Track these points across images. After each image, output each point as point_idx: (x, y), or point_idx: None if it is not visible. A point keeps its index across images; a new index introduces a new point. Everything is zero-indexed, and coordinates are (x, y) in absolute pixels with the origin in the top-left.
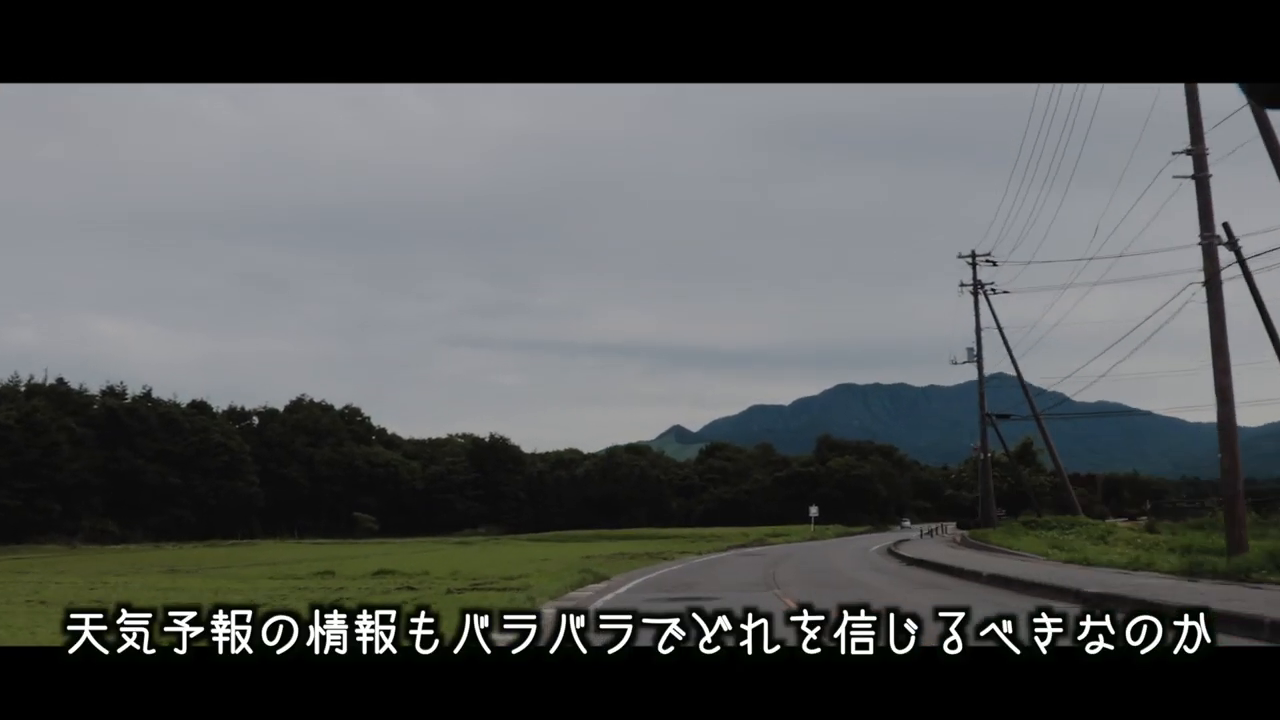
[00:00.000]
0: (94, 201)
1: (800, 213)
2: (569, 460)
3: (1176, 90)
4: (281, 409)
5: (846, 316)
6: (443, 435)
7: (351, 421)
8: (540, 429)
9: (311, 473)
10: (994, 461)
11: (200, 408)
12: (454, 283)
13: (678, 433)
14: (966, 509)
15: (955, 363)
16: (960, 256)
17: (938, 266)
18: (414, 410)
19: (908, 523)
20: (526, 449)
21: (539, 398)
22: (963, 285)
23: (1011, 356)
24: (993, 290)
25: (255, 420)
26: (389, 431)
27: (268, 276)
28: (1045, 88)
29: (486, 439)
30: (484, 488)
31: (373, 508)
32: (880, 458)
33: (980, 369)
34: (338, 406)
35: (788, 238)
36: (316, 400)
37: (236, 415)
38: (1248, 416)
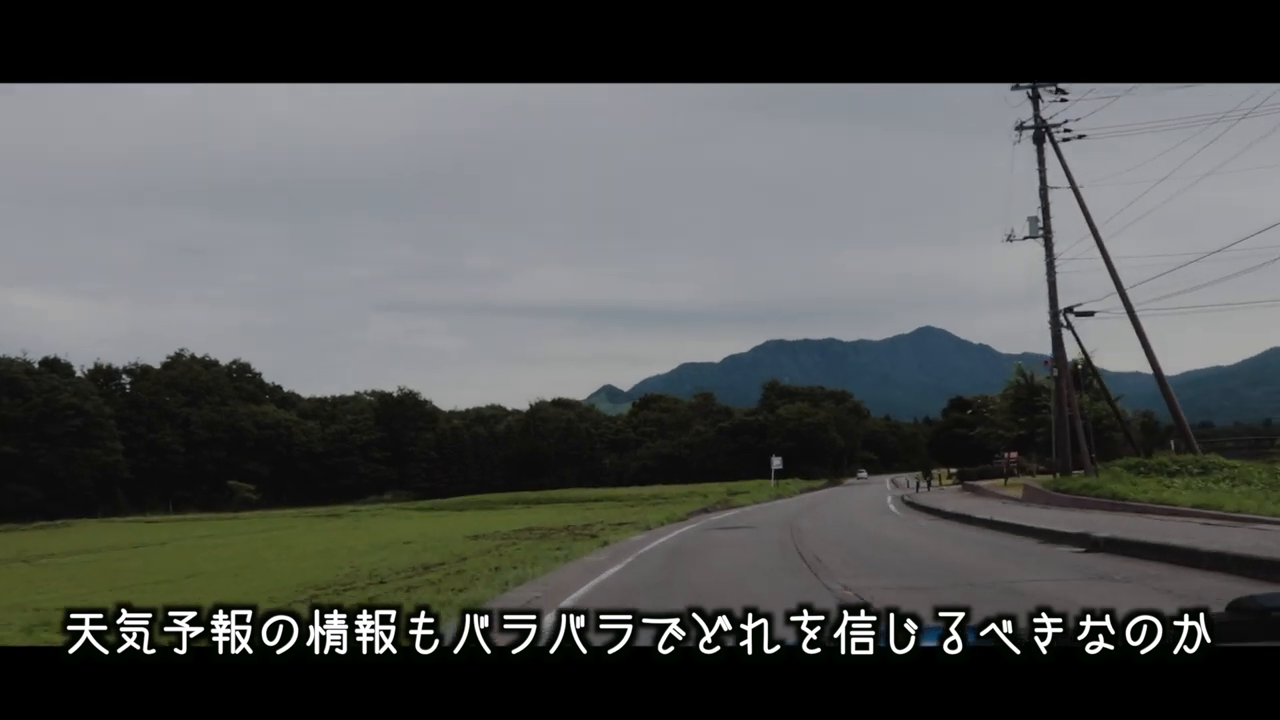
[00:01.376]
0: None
1: (731, 170)
2: (489, 417)
3: None
4: (158, 366)
5: (776, 273)
6: (349, 392)
7: (240, 379)
8: (469, 391)
9: (189, 437)
10: (1037, 388)
11: (53, 365)
12: (381, 248)
13: (609, 392)
14: (986, 454)
15: (1011, 239)
16: (1017, 87)
17: (868, 224)
18: (341, 378)
19: (864, 473)
20: (448, 409)
21: (468, 360)
22: (1020, 128)
23: (1092, 226)
24: (1065, 136)
25: (126, 380)
26: (285, 389)
27: (190, 245)
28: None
29: (395, 394)
30: (391, 448)
31: (261, 475)
32: (833, 404)
33: (1049, 242)
34: (224, 362)
35: (718, 195)
36: (199, 356)
37: (103, 374)
38: (1164, 366)
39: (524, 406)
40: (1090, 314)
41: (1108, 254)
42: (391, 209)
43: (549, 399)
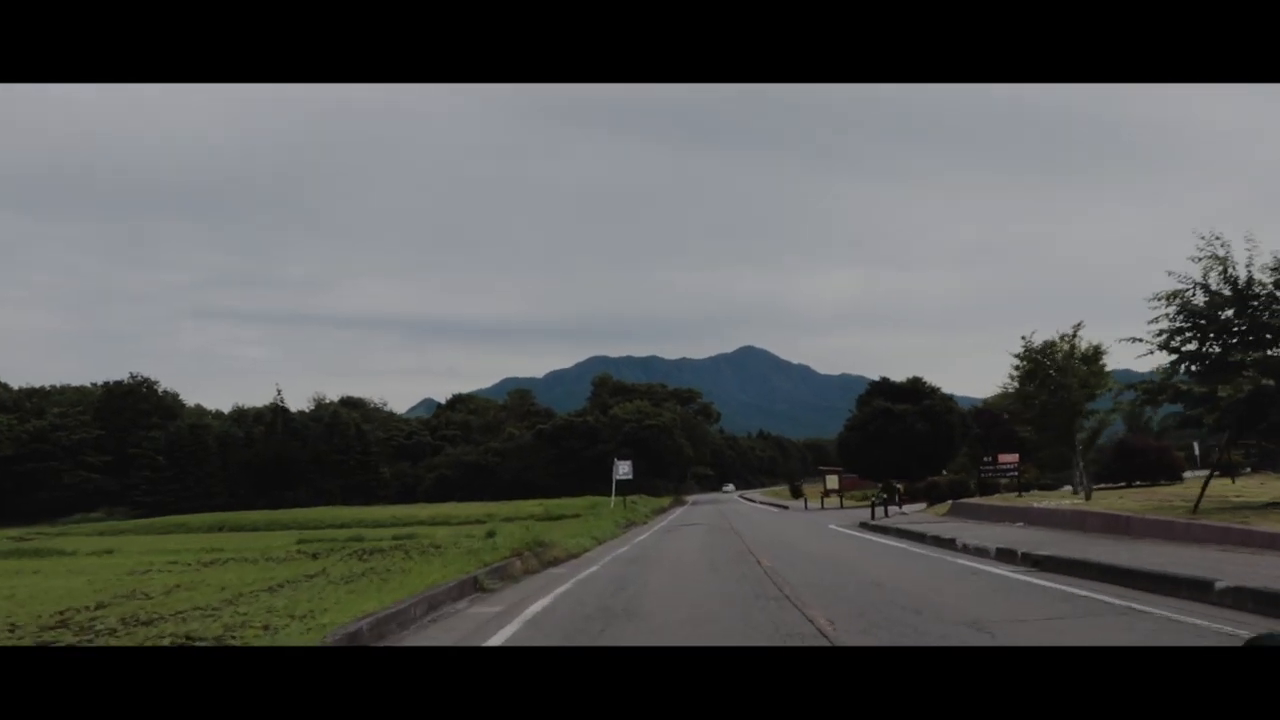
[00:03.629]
0: None
1: (559, 185)
2: (254, 415)
3: None
4: None
5: (601, 290)
6: (73, 382)
7: None
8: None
9: None
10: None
11: None
12: (196, 253)
13: (428, 405)
14: (932, 459)
15: None
16: None
17: (693, 244)
18: None
19: (730, 488)
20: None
21: (284, 372)
22: None
23: None
24: None
25: None
26: None
27: None
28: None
29: (126, 383)
30: (112, 452)
31: None
32: (677, 404)
33: None
34: None
35: (546, 210)
36: None
37: None
38: (977, 388)
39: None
40: None
41: None
42: (209, 212)
43: (335, 398)
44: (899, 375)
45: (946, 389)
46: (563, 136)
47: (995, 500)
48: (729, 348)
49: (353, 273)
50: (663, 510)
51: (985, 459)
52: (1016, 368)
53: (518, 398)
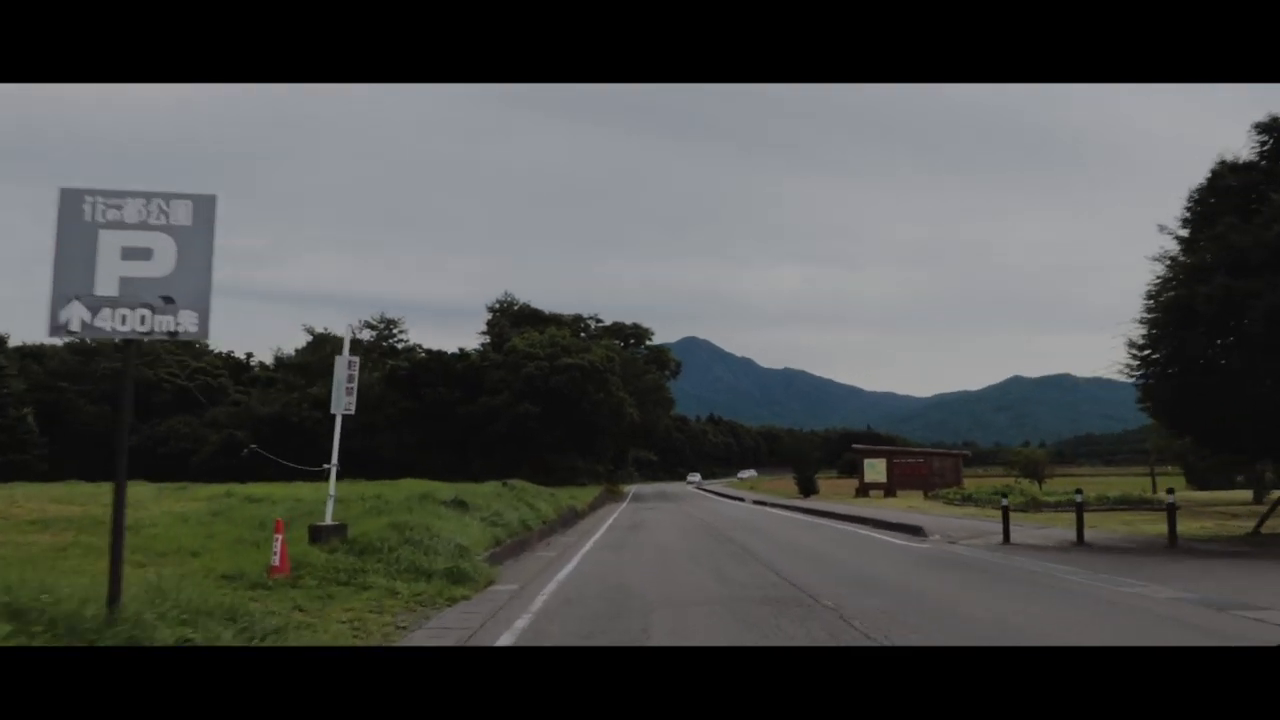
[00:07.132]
0: None
1: (510, 171)
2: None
3: None
4: None
5: (545, 277)
6: None
7: None
8: None
9: None
10: None
11: None
12: None
13: None
14: None
15: None
16: None
17: (642, 233)
18: None
19: (752, 473)
20: None
21: (220, 347)
22: None
23: None
24: None
25: None
26: None
27: None
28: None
29: None
30: None
31: None
32: (615, 340)
33: None
34: None
35: (496, 195)
36: None
37: None
38: (917, 388)
39: None
40: None
41: None
42: (150, 183)
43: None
44: (830, 370)
45: (887, 387)
46: (520, 120)
47: None
48: (673, 337)
49: (298, 249)
50: (572, 519)
51: None
52: None
53: (380, 331)
